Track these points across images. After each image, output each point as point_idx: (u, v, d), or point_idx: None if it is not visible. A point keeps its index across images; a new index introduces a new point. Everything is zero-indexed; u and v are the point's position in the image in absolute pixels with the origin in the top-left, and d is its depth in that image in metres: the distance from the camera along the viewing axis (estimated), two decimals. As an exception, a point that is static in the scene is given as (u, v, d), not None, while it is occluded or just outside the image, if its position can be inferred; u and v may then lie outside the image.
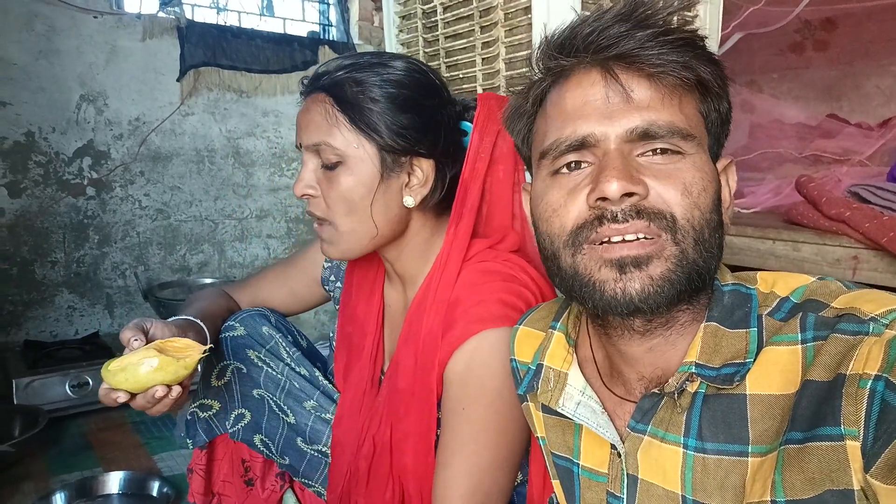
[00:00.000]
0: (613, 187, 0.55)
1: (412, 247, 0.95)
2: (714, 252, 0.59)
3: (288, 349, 1.08)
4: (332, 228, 0.89)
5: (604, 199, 0.56)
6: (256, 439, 1.05)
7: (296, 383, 1.06)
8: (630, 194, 0.56)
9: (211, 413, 1.05)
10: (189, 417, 1.06)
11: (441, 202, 0.94)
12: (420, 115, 0.88)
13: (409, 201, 0.89)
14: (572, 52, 0.61)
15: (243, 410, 1.04)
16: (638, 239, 0.57)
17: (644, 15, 0.58)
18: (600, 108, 0.59)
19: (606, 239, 0.58)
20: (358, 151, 0.85)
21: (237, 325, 1.06)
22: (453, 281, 0.89)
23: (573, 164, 0.61)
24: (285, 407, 1.05)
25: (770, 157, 1.93)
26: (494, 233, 0.96)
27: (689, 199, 0.57)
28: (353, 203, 0.87)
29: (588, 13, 0.63)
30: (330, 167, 0.86)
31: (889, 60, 2.10)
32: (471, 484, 0.81)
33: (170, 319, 0.94)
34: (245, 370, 1.05)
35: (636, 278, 0.57)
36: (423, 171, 0.90)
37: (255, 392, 1.05)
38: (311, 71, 2.59)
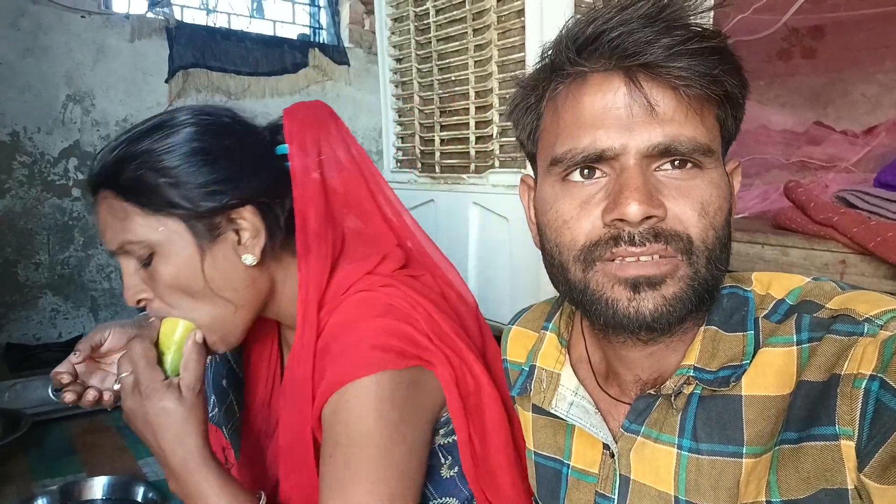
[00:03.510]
0: (633, 209, 0.53)
1: (289, 296, 0.85)
2: (723, 267, 0.59)
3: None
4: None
5: (621, 219, 0.55)
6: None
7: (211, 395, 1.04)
8: (649, 216, 0.54)
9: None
10: None
11: (291, 237, 0.83)
12: (218, 165, 0.76)
13: (249, 259, 0.78)
14: (594, 55, 0.57)
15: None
16: (652, 259, 0.56)
17: (671, 17, 0.55)
18: (622, 119, 0.56)
19: (620, 259, 0.56)
20: (164, 233, 0.75)
21: None
22: (315, 324, 0.79)
23: (586, 172, 0.58)
24: None
25: (757, 162, 1.95)
26: (373, 251, 0.85)
27: (705, 219, 0.56)
28: (188, 289, 0.77)
29: (580, 17, 0.61)
30: (146, 263, 0.76)
31: (875, 69, 2.14)
32: None
33: (136, 317, 0.89)
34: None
35: (650, 298, 0.56)
36: (247, 221, 0.78)
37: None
38: (300, 74, 2.61)
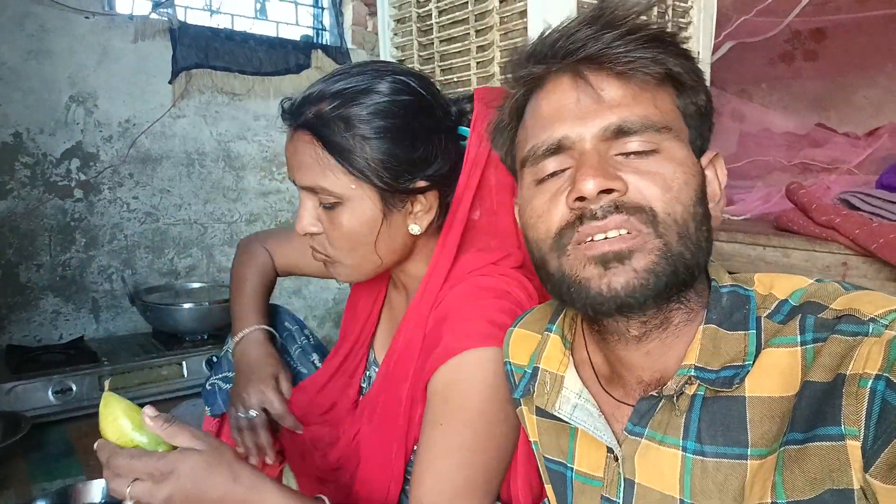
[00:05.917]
0: (590, 185, 0.56)
1: (416, 262, 0.93)
2: (702, 245, 0.59)
3: (299, 339, 1.19)
4: (335, 263, 0.88)
5: (582, 198, 0.57)
6: None
7: (303, 370, 1.15)
8: (608, 191, 0.57)
9: (231, 385, 1.11)
10: (209, 388, 1.14)
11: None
12: (415, 146, 0.83)
13: (416, 229, 0.87)
14: (541, 59, 0.62)
15: None
16: (620, 234, 0.57)
17: (611, 17, 0.59)
18: (573, 111, 0.60)
19: (589, 238, 0.58)
20: (356, 192, 0.82)
21: None
22: (434, 296, 0.86)
23: (553, 168, 0.61)
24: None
25: (759, 165, 1.95)
26: (499, 246, 0.91)
27: (669, 193, 0.57)
28: (357, 241, 0.85)
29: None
30: (329, 206, 0.84)
31: (877, 72, 2.14)
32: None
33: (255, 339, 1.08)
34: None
35: (620, 272, 0.57)
36: (426, 199, 0.87)
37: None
38: (303, 75, 2.61)
